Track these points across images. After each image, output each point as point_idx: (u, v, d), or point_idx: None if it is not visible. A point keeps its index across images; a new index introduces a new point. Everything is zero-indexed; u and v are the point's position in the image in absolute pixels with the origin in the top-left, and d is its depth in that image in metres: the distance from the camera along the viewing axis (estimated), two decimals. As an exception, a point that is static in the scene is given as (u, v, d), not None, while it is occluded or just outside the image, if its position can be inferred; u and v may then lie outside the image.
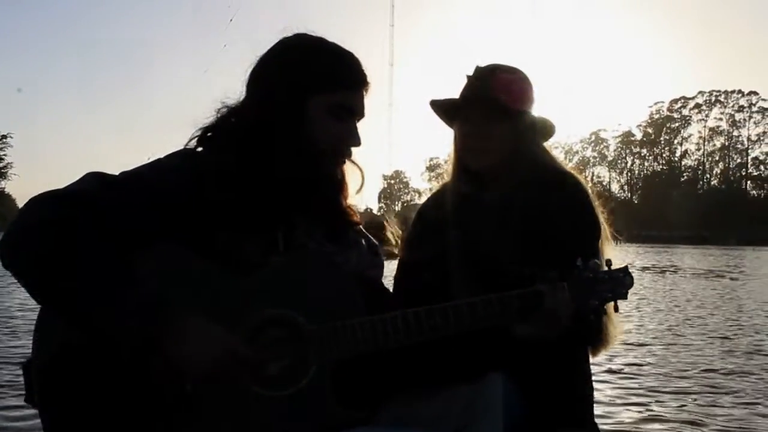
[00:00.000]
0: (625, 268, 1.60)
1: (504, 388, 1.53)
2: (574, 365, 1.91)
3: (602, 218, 1.92)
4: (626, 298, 1.58)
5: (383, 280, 1.74)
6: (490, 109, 1.88)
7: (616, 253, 1.88)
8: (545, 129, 1.97)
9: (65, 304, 1.35)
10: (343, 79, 1.56)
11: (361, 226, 1.72)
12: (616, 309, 1.61)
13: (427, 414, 1.53)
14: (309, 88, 1.53)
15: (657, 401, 4.41)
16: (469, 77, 1.94)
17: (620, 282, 1.58)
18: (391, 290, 1.82)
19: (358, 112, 1.58)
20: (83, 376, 1.40)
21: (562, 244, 1.72)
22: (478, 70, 1.94)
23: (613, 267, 1.60)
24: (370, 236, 1.73)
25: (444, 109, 1.99)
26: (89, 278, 1.33)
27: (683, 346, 6.68)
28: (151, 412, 1.40)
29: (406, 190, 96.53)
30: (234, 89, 1.62)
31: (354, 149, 1.61)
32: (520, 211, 1.85)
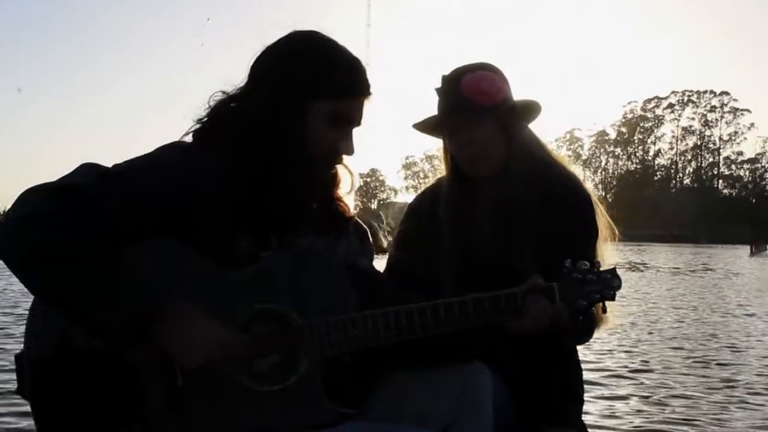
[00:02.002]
0: (614, 270, 1.61)
1: (493, 385, 1.55)
2: (565, 363, 1.92)
3: (603, 218, 1.92)
4: (614, 300, 1.60)
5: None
6: (468, 115, 1.86)
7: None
8: (530, 110, 1.94)
9: (59, 295, 1.36)
10: (345, 88, 1.55)
11: (355, 218, 1.71)
12: (605, 310, 1.62)
13: (416, 410, 1.54)
14: (311, 93, 1.52)
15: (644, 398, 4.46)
16: (437, 89, 1.92)
17: (608, 283, 1.59)
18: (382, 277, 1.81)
19: (357, 121, 1.58)
20: (76, 372, 1.40)
21: (559, 244, 1.73)
22: (444, 79, 1.91)
23: (602, 268, 1.61)
24: (360, 222, 1.73)
25: (427, 127, 1.98)
26: (83, 270, 1.34)
27: (657, 340, 6.77)
28: (141, 406, 1.41)
29: (382, 188, 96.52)
30: (226, 79, 1.59)
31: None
32: (519, 212, 1.85)
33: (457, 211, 1.93)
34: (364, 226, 1.75)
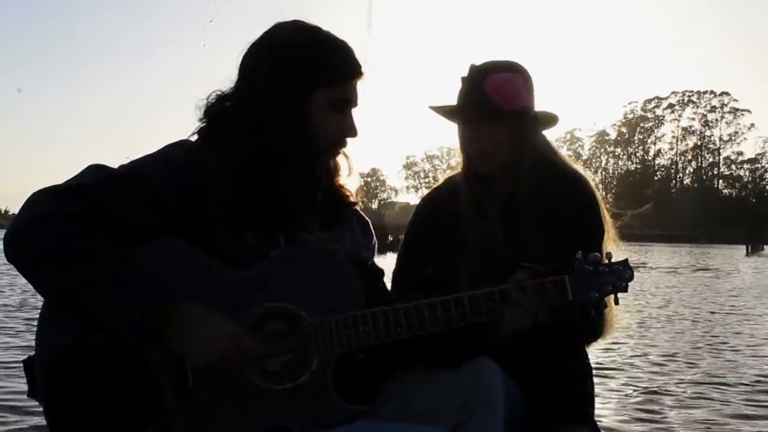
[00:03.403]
0: (625, 261, 1.61)
1: (504, 384, 1.55)
2: (576, 361, 1.92)
3: (608, 218, 1.94)
4: (626, 291, 1.60)
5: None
6: (485, 113, 1.87)
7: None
8: (547, 122, 1.96)
9: (68, 296, 1.37)
10: (342, 73, 1.56)
11: (357, 206, 1.72)
12: (617, 302, 1.62)
13: (427, 408, 1.55)
14: (311, 84, 1.54)
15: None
16: (463, 79, 1.93)
17: (620, 275, 1.59)
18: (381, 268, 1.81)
19: (354, 102, 1.60)
20: (87, 375, 1.41)
21: (567, 243, 1.73)
22: (472, 71, 1.92)
23: (613, 260, 1.61)
24: (362, 214, 1.74)
25: (444, 111, 1.98)
26: (92, 271, 1.35)
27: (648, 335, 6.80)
28: (154, 406, 1.42)
29: (383, 188, 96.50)
30: (222, 77, 1.60)
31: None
32: (526, 210, 1.87)
33: (469, 208, 1.94)
34: (366, 218, 1.75)
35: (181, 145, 1.55)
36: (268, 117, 1.52)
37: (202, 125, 1.58)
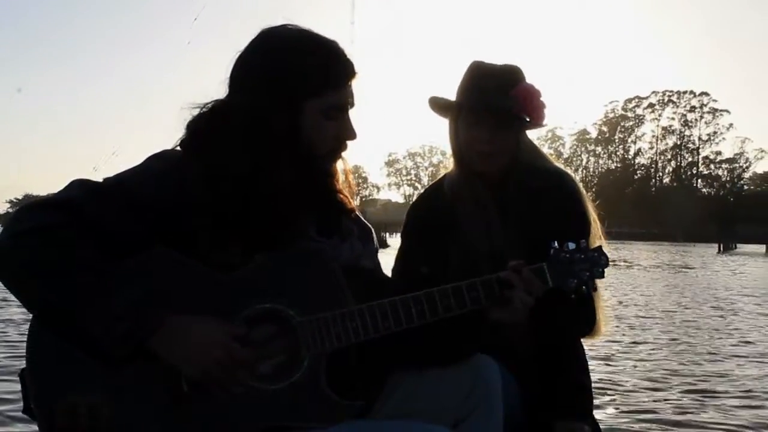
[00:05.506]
0: (599, 248, 1.65)
1: (502, 380, 1.56)
2: (572, 354, 1.95)
3: (594, 216, 1.98)
4: (603, 277, 1.63)
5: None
6: (506, 119, 1.89)
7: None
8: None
9: (53, 310, 1.35)
10: (336, 79, 1.53)
11: (356, 212, 1.71)
12: (595, 288, 1.65)
13: (426, 406, 1.55)
14: (303, 95, 1.51)
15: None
16: (480, 77, 1.93)
17: (596, 261, 1.62)
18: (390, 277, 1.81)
19: (351, 104, 1.57)
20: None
21: (553, 237, 1.76)
22: (488, 73, 1.92)
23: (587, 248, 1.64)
24: (363, 221, 1.73)
25: (442, 108, 1.98)
26: (79, 283, 1.34)
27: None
28: (150, 414, 1.41)
29: (365, 185, 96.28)
30: (206, 86, 1.58)
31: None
32: (519, 212, 1.90)
33: (463, 207, 1.97)
34: (369, 225, 1.75)
35: (163, 157, 1.54)
36: (257, 130, 1.50)
37: (184, 137, 1.56)
